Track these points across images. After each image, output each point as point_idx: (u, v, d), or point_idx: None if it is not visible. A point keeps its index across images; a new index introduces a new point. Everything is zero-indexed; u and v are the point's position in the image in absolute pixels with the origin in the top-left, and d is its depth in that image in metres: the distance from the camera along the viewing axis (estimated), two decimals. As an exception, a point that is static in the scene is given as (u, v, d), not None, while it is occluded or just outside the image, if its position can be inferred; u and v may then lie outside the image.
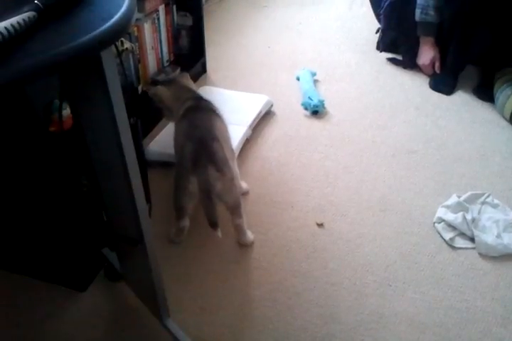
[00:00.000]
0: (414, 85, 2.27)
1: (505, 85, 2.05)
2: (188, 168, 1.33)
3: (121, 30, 0.65)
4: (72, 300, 1.32)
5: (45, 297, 1.33)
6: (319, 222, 1.56)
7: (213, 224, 1.29)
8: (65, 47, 0.58)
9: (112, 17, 0.63)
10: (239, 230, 1.46)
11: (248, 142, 1.87)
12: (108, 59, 0.75)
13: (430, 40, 2.24)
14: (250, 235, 1.49)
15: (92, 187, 1.20)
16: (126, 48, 1.41)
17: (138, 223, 0.99)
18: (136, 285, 1.26)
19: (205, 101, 1.55)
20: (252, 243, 1.49)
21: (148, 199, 1.55)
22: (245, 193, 1.65)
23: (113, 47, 1.17)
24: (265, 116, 2.02)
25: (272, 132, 1.96)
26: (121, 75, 1.27)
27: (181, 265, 1.41)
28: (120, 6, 0.66)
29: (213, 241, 1.48)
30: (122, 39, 1.39)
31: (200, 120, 1.44)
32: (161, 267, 1.06)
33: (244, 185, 1.65)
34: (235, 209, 1.41)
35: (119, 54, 1.28)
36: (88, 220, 1.27)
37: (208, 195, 1.29)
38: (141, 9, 1.88)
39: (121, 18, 0.64)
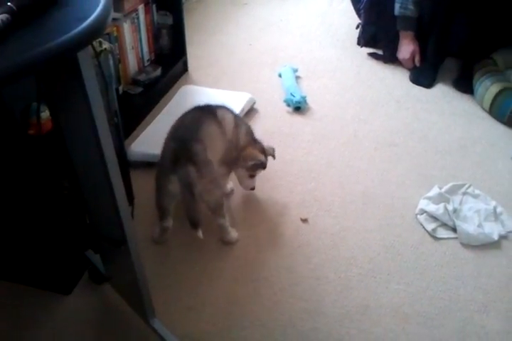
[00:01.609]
0: (394, 79, 2.29)
1: (484, 77, 2.08)
2: (167, 167, 1.33)
3: (97, 30, 0.65)
4: (57, 303, 1.31)
5: (28, 301, 1.32)
6: (303, 218, 1.57)
7: (194, 225, 1.30)
8: (40, 49, 0.58)
9: (87, 17, 0.63)
10: (221, 229, 1.47)
11: (231, 140, 1.87)
12: (85, 60, 0.75)
13: (410, 34, 2.26)
14: (234, 233, 1.49)
15: (74, 189, 1.20)
16: (105, 49, 1.40)
17: (121, 224, 0.99)
18: (121, 286, 1.26)
19: (212, 104, 1.51)
20: (237, 241, 1.50)
21: (131, 200, 1.56)
22: (230, 193, 1.66)
23: (90, 48, 1.17)
24: (248, 114, 2.03)
25: (255, 129, 1.94)
26: (100, 76, 1.27)
27: (166, 265, 1.42)
28: (96, 6, 0.66)
29: (198, 239, 1.48)
30: (101, 39, 1.38)
31: (189, 121, 1.44)
32: (146, 267, 1.07)
33: (229, 185, 1.65)
34: (215, 210, 1.42)
35: (97, 55, 1.27)
36: (71, 223, 1.27)
37: (188, 195, 1.29)
38: (119, 9, 1.87)
39: (96, 19, 0.64)
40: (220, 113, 1.48)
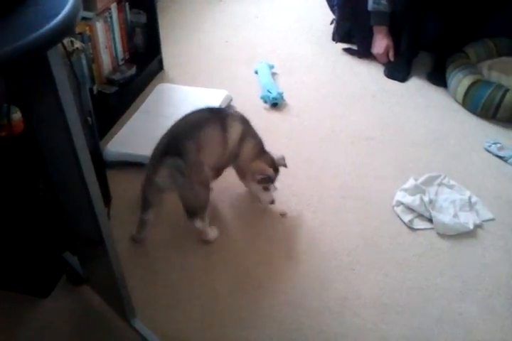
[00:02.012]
0: (370, 74, 2.31)
1: (456, 70, 2.12)
2: (157, 158, 1.35)
3: (67, 28, 0.65)
4: (35, 307, 1.29)
5: (4, 306, 1.30)
6: (282, 213, 1.58)
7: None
8: (8, 48, 0.57)
9: (56, 15, 0.63)
10: (200, 231, 1.45)
11: (209, 137, 1.87)
12: (55, 59, 0.74)
13: (383, 29, 2.28)
14: (213, 233, 1.48)
15: (49, 191, 1.19)
16: (77, 48, 1.39)
17: (97, 224, 0.98)
18: (100, 287, 1.26)
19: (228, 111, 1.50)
20: (214, 239, 1.48)
21: (108, 200, 1.56)
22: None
23: (61, 47, 1.16)
24: (225, 111, 2.03)
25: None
26: (72, 76, 1.26)
27: (145, 264, 1.42)
28: (64, 5, 0.66)
29: (177, 238, 1.49)
30: (72, 39, 1.36)
31: (194, 119, 1.44)
32: (125, 267, 1.06)
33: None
34: (195, 212, 1.40)
35: (69, 54, 1.26)
36: (47, 225, 1.26)
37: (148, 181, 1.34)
38: (92, 8, 1.86)
39: (65, 17, 0.64)
40: (229, 120, 1.45)
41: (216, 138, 1.43)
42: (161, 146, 1.37)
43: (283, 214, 1.58)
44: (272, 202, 1.54)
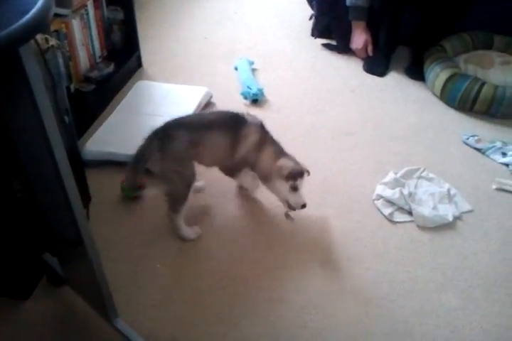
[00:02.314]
0: (349, 69, 2.32)
1: (434, 64, 2.14)
2: (148, 136, 1.39)
3: (39, 25, 0.64)
4: (15, 309, 1.27)
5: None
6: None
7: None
8: None
9: (28, 11, 0.62)
10: (174, 225, 1.45)
11: (189, 134, 1.87)
12: (28, 56, 0.73)
13: (362, 24, 2.29)
14: (190, 231, 1.46)
15: (27, 191, 1.17)
16: (52, 46, 1.36)
17: (75, 224, 0.97)
18: (81, 287, 1.24)
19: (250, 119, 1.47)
20: (192, 239, 1.46)
21: (87, 200, 1.54)
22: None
23: (35, 44, 1.14)
24: (205, 108, 2.02)
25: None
26: (47, 74, 1.24)
27: (127, 264, 1.40)
28: (37, 0, 0.65)
29: (158, 237, 1.48)
30: (47, 36, 1.34)
31: (209, 118, 1.47)
32: (106, 267, 1.05)
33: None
34: (170, 202, 1.41)
35: (43, 52, 1.24)
36: (25, 226, 1.24)
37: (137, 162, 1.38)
38: (67, 5, 1.83)
39: (37, 13, 0.63)
40: (246, 130, 1.43)
41: (222, 143, 1.42)
42: (157, 127, 1.39)
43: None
44: (304, 205, 1.45)
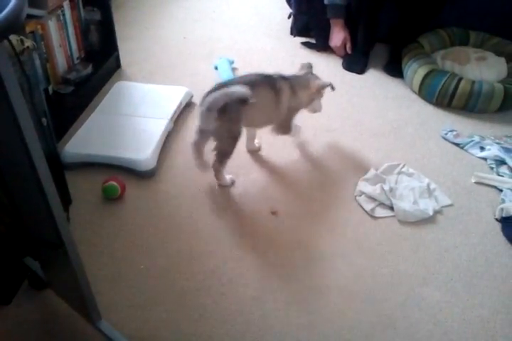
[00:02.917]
0: (328, 67, 2.34)
1: (411, 60, 2.17)
2: (203, 98, 1.54)
3: (11, 25, 0.63)
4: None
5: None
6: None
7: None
8: None
9: (-1, 12, 0.62)
10: (216, 174, 1.64)
11: (170, 135, 1.86)
12: (2, 58, 0.72)
13: (340, 21, 2.31)
14: (228, 179, 1.67)
15: (5, 194, 1.16)
16: (28, 47, 1.35)
17: (56, 226, 0.97)
18: (64, 290, 1.23)
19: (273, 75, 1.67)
20: (227, 185, 1.67)
21: (68, 202, 1.53)
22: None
23: (8, 45, 1.12)
24: (186, 108, 2.02)
25: (194, 123, 1.95)
26: (23, 76, 1.22)
27: (110, 266, 1.39)
28: (8, 1, 0.64)
29: (141, 238, 1.47)
30: (22, 37, 1.32)
31: (247, 80, 1.59)
32: (87, 269, 1.04)
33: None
34: (216, 155, 1.60)
35: (18, 53, 1.22)
36: (5, 230, 1.22)
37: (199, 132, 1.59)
38: (43, 6, 1.80)
39: (9, 13, 0.62)
40: (279, 84, 1.64)
41: (267, 100, 1.63)
42: (209, 90, 1.54)
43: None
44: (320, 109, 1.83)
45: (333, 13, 2.29)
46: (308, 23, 2.49)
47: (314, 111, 1.81)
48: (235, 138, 1.59)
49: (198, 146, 1.63)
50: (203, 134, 1.60)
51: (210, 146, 1.61)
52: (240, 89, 1.49)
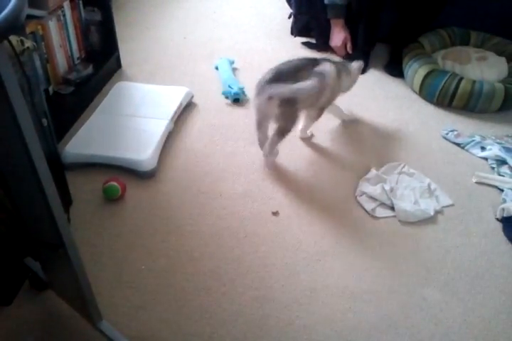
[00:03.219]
0: (329, 66, 2.33)
1: (412, 60, 2.17)
2: (261, 85, 1.65)
3: (11, 26, 0.63)
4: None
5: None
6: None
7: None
8: None
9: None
10: (270, 143, 1.72)
11: (171, 135, 1.86)
12: (2, 58, 0.72)
13: (340, 21, 2.30)
14: (274, 157, 1.77)
15: (6, 195, 1.16)
16: (28, 47, 1.35)
17: (56, 227, 0.97)
18: (64, 291, 1.23)
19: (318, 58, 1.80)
20: (274, 160, 1.78)
21: (68, 203, 1.53)
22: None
23: (9, 46, 1.12)
24: (187, 108, 2.02)
25: (195, 123, 1.96)
26: (23, 76, 1.22)
27: (111, 267, 1.39)
28: (8, 2, 0.64)
29: (141, 239, 1.47)
30: (22, 38, 1.32)
31: (298, 64, 1.72)
32: (88, 270, 1.04)
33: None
34: (277, 133, 1.69)
35: (18, 54, 1.22)
36: (6, 231, 1.22)
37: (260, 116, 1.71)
38: (43, 6, 1.80)
39: (9, 14, 0.62)
40: (324, 67, 1.74)
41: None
42: (268, 77, 1.65)
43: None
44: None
45: (334, 13, 2.29)
46: (308, 23, 2.49)
47: (346, 91, 1.94)
48: (296, 118, 1.70)
49: (261, 126, 1.73)
50: (263, 119, 1.71)
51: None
52: (309, 85, 1.61)
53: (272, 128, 1.71)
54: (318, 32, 2.45)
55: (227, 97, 2.09)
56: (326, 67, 1.73)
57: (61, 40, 1.92)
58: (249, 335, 1.24)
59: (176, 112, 1.91)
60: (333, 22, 2.31)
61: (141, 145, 1.72)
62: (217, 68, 2.26)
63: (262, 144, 1.77)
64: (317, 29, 2.46)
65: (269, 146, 1.72)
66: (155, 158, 1.70)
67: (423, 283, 1.39)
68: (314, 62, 1.74)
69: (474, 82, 2.00)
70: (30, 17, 1.71)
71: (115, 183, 1.56)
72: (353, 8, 2.27)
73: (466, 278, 1.41)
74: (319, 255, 1.45)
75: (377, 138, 1.91)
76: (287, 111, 1.65)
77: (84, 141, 1.72)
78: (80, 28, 2.05)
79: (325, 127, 1.96)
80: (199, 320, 1.27)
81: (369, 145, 1.87)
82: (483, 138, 1.90)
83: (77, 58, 2.05)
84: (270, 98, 1.60)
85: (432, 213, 1.57)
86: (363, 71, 2.30)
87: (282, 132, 1.70)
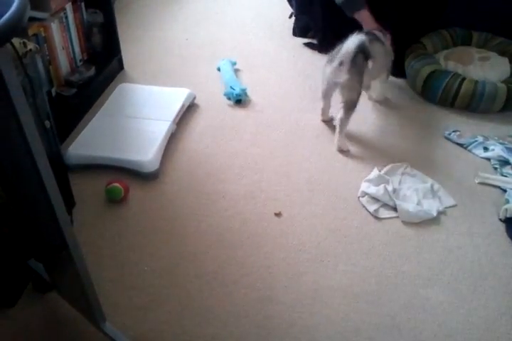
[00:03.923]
0: (331, 67, 2.33)
1: (414, 61, 2.16)
2: (333, 56, 1.80)
3: (14, 28, 0.63)
4: (1, 316, 1.25)
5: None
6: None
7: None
8: None
9: (1, 15, 0.61)
10: (339, 124, 1.82)
11: (173, 137, 1.86)
12: (5, 60, 0.72)
13: (365, 13, 1.98)
14: (346, 143, 1.85)
15: (9, 197, 1.16)
16: (30, 49, 1.35)
17: (59, 229, 0.97)
18: (68, 293, 1.23)
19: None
20: (346, 151, 1.84)
21: (71, 204, 1.53)
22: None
23: (11, 48, 1.13)
24: (189, 109, 2.02)
25: (197, 124, 1.97)
26: (26, 78, 1.23)
27: (114, 268, 1.39)
28: (11, 3, 0.64)
29: (144, 240, 1.48)
30: (24, 40, 1.32)
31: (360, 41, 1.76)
32: (91, 271, 1.04)
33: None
34: (344, 108, 1.80)
35: (20, 56, 1.22)
36: (9, 233, 1.23)
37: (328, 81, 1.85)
38: (46, 8, 1.81)
39: (11, 17, 0.62)
40: (378, 38, 1.90)
41: (379, 55, 1.86)
42: (339, 48, 1.76)
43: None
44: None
45: (352, 6, 1.99)
46: (309, 23, 2.49)
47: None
48: (360, 89, 1.79)
49: (327, 95, 1.90)
50: (330, 88, 1.86)
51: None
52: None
53: (337, 110, 1.84)
54: (319, 33, 2.44)
55: (229, 98, 2.09)
56: (379, 34, 1.91)
57: (63, 42, 1.92)
58: (252, 336, 1.24)
59: (178, 113, 1.91)
60: (357, 17, 2.01)
61: (144, 146, 1.72)
62: (219, 69, 2.26)
63: (324, 114, 1.95)
64: (317, 30, 2.45)
65: (340, 127, 1.82)
66: (157, 159, 1.70)
67: (426, 283, 1.39)
68: (375, 36, 1.88)
69: (477, 82, 2.00)
70: (32, 19, 1.72)
71: (118, 185, 1.57)
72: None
73: (469, 279, 1.41)
74: (322, 256, 1.45)
75: (380, 138, 1.91)
76: (354, 79, 1.74)
77: (87, 143, 1.73)
78: (82, 30, 2.06)
79: (325, 127, 1.95)
80: (202, 322, 1.27)
81: (371, 146, 1.87)
82: (486, 138, 1.89)
83: (80, 60, 2.05)
84: (341, 63, 1.72)
85: (434, 214, 1.57)
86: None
87: (350, 106, 1.79)
